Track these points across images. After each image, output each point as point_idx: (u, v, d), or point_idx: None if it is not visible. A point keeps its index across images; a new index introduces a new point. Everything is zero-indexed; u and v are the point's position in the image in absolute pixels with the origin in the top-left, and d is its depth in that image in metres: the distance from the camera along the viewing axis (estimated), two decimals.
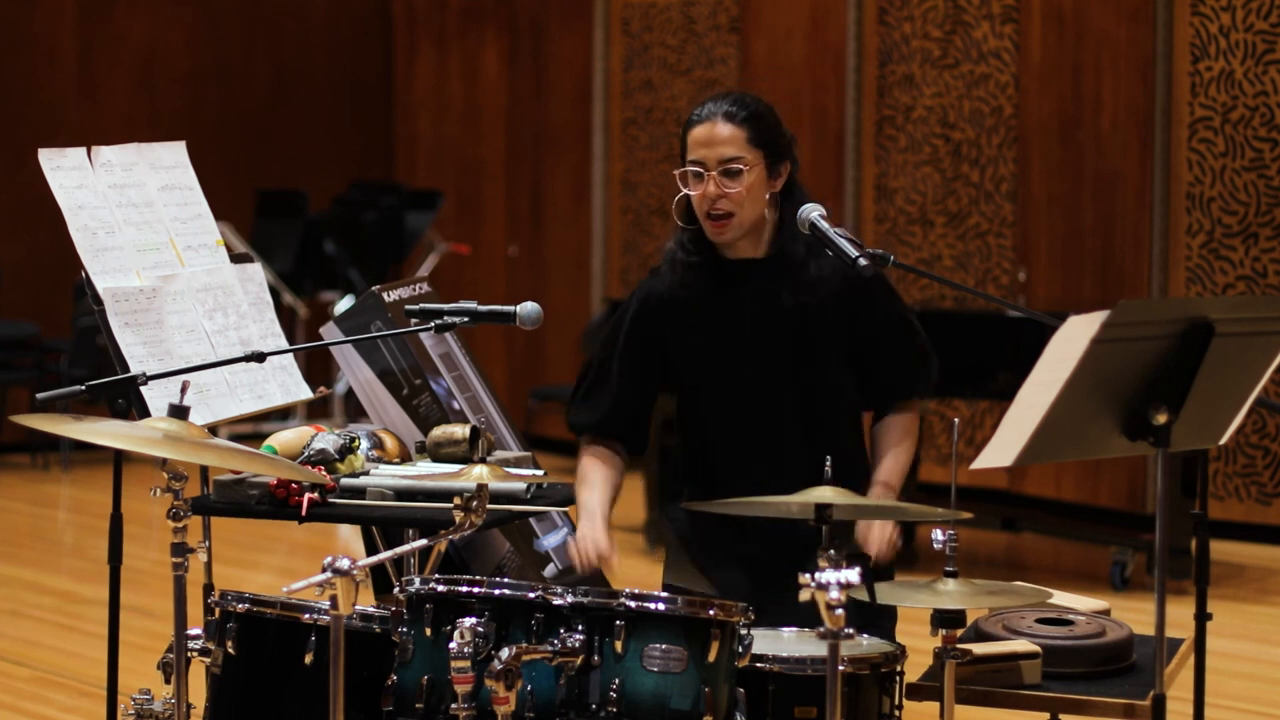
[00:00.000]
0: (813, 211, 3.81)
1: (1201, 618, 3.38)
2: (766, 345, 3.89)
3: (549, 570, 4.37)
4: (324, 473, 3.91)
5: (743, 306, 3.90)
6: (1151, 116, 8.63)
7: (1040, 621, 3.78)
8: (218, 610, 3.66)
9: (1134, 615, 4.98)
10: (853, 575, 2.94)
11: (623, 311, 4.01)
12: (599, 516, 3.84)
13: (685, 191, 3.87)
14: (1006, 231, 9.25)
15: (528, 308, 3.91)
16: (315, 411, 11.34)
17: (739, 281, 3.90)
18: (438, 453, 4.17)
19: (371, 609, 3.61)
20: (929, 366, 4.03)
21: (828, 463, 3.44)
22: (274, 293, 5.66)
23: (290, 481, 3.87)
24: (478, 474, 3.46)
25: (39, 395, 3.91)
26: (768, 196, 3.87)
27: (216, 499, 4.01)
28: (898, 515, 3.67)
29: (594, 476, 3.94)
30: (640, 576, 7.47)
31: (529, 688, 3.21)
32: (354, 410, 10.73)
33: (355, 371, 4.33)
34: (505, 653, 3.11)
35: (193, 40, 11.93)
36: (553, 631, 3.24)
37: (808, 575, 2.97)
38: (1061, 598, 3.95)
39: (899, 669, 3.49)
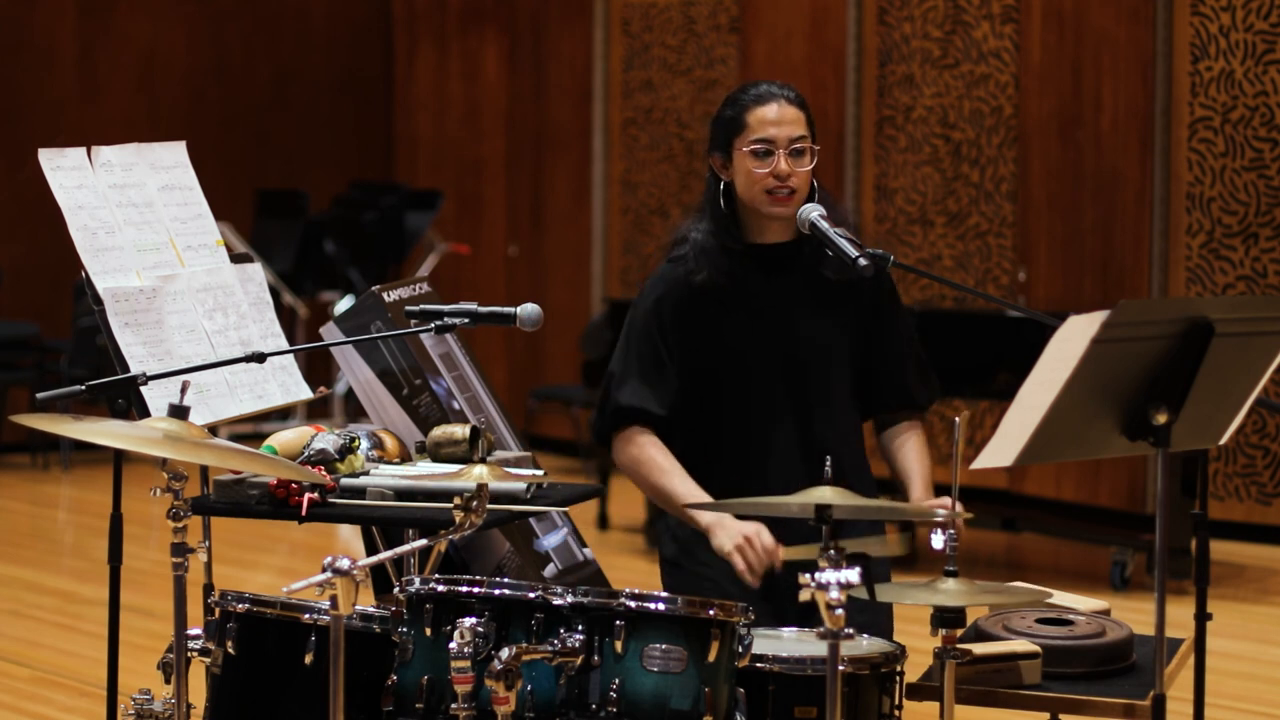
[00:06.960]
0: (812, 212, 3.83)
1: (1201, 618, 3.38)
2: (815, 324, 3.92)
3: (549, 570, 4.37)
4: (324, 473, 3.90)
5: (791, 286, 3.91)
6: (1151, 116, 8.63)
7: (1040, 621, 3.77)
8: (218, 610, 3.65)
9: (1134, 615, 4.98)
10: (853, 575, 2.94)
11: (654, 301, 3.92)
12: (726, 514, 3.76)
13: (752, 170, 3.84)
14: (1006, 231, 9.25)
15: (528, 309, 3.90)
16: (315, 411, 11.34)
17: (779, 263, 3.92)
18: (438, 453, 4.17)
19: (371, 609, 3.60)
20: (934, 380, 4.11)
21: (827, 463, 3.44)
22: (274, 293, 5.65)
23: (290, 481, 3.87)
24: (478, 474, 3.45)
25: (39, 395, 3.91)
26: None
27: (216, 499, 4.01)
28: (898, 515, 3.67)
29: (673, 464, 3.86)
30: (640, 577, 7.47)
31: (529, 688, 3.21)
32: (354, 410, 10.73)
33: (355, 371, 4.33)
34: (505, 653, 3.11)
35: (193, 40, 11.93)
36: (553, 631, 3.23)
37: (808, 575, 2.97)
38: (1061, 598, 3.95)
39: (899, 669, 3.49)
